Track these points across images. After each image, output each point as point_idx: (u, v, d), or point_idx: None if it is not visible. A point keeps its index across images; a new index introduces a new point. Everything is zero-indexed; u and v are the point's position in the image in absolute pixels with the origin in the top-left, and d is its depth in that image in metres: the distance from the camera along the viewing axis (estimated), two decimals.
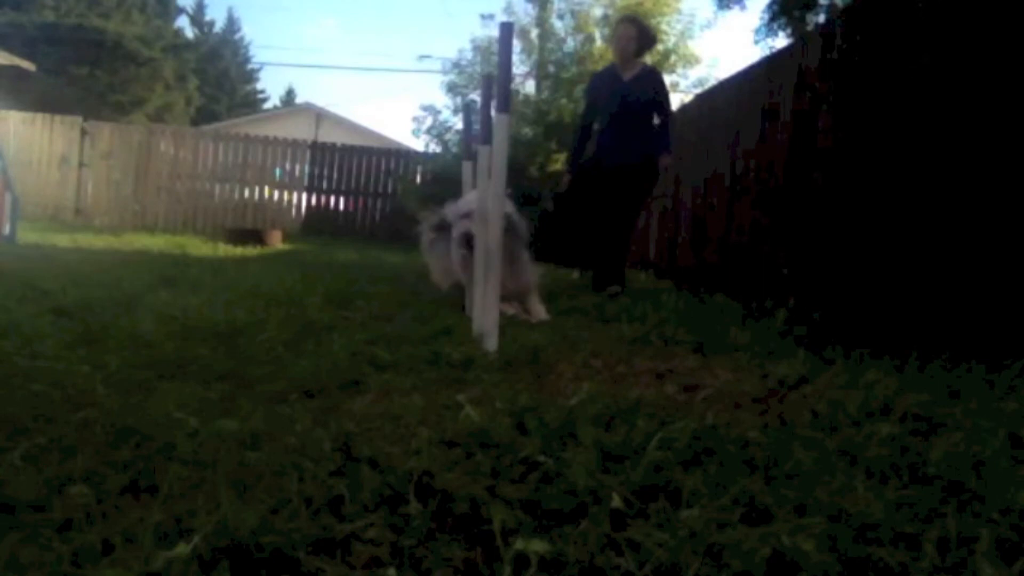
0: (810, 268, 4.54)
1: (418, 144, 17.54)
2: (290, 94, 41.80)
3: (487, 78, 3.42)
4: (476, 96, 13.88)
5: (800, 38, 6.05)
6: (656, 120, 5.26)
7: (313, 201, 13.70)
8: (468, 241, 3.56)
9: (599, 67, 12.93)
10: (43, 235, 8.61)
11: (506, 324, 2.94)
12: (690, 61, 14.04)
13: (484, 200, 3.04)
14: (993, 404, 2.06)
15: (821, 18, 9.23)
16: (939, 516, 1.30)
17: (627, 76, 5.25)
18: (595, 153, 5.36)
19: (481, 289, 2.93)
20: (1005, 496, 1.36)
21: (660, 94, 5.23)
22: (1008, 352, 2.67)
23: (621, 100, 5.18)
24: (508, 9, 15.02)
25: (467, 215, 3.75)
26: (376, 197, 13.62)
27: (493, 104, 3.01)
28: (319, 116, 26.53)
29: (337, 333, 2.90)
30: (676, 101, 12.51)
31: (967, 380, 2.37)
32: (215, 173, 13.50)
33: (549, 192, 8.06)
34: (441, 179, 11.61)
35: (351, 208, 13.66)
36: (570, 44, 14.45)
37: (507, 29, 2.89)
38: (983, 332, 3.00)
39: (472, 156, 4.13)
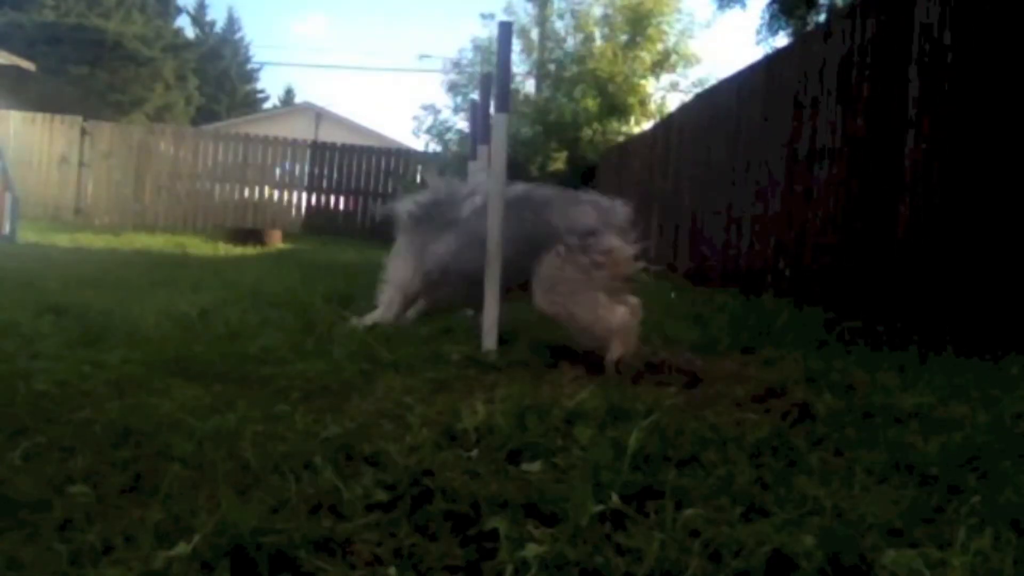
0: (809, 266, 4.54)
1: (418, 144, 17.55)
2: (289, 94, 41.80)
3: (486, 77, 3.42)
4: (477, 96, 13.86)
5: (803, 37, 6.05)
6: None
7: (313, 201, 13.70)
8: None
9: (600, 66, 12.98)
10: (43, 235, 8.60)
11: (508, 324, 2.93)
12: (690, 61, 14.04)
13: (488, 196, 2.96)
14: (995, 403, 2.06)
15: (822, 18, 9.23)
16: (939, 516, 1.30)
17: None
18: None
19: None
20: (1005, 496, 1.36)
21: None
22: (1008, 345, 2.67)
23: None
24: (508, 9, 15.04)
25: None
26: (376, 197, 13.63)
27: (492, 103, 3.01)
28: (319, 116, 26.53)
29: (337, 332, 2.90)
30: (676, 101, 12.55)
31: (968, 378, 2.37)
32: (215, 173, 13.50)
33: None
34: None
35: (351, 208, 13.67)
36: (570, 44, 14.46)
37: (506, 28, 2.90)
38: (984, 325, 3.00)
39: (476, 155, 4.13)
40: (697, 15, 18.66)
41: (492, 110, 3.04)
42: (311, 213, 13.61)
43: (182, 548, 1.06)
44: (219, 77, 35.42)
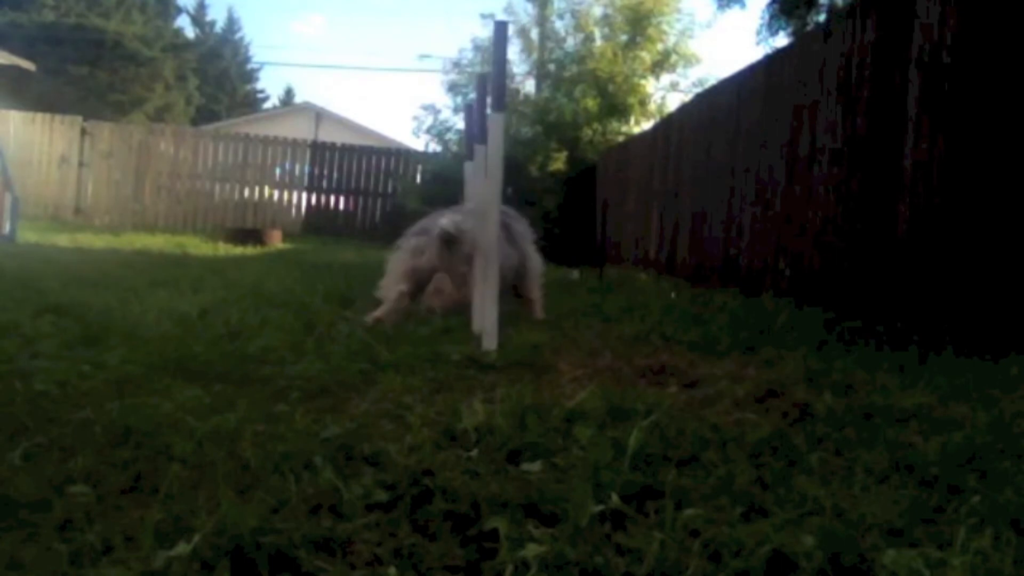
0: (809, 266, 4.54)
1: (418, 144, 17.52)
2: (289, 94, 41.78)
3: (482, 77, 3.44)
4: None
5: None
6: None
7: (313, 201, 13.70)
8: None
9: (600, 66, 12.98)
10: (43, 235, 8.60)
11: (506, 324, 2.94)
12: (690, 61, 14.03)
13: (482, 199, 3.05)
14: (995, 403, 2.06)
15: (822, 18, 9.22)
16: (939, 516, 1.30)
17: None
18: None
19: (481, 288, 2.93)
20: (1005, 496, 1.36)
21: None
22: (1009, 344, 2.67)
23: None
24: (508, 9, 15.02)
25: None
26: (376, 197, 13.62)
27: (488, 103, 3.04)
28: (319, 116, 26.50)
29: (337, 333, 2.91)
30: (676, 101, 12.54)
31: (968, 378, 2.37)
32: (215, 173, 13.51)
33: None
34: (441, 178, 11.61)
35: (351, 208, 13.66)
36: (570, 43, 14.44)
37: (502, 27, 2.94)
38: (984, 325, 3.00)
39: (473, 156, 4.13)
40: (697, 15, 18.61)
41: (488, 109, 3.05)
42: (311, 213, 13.61)
43: (182, 548, 1.06)
44: (219, 77, 35.40)
